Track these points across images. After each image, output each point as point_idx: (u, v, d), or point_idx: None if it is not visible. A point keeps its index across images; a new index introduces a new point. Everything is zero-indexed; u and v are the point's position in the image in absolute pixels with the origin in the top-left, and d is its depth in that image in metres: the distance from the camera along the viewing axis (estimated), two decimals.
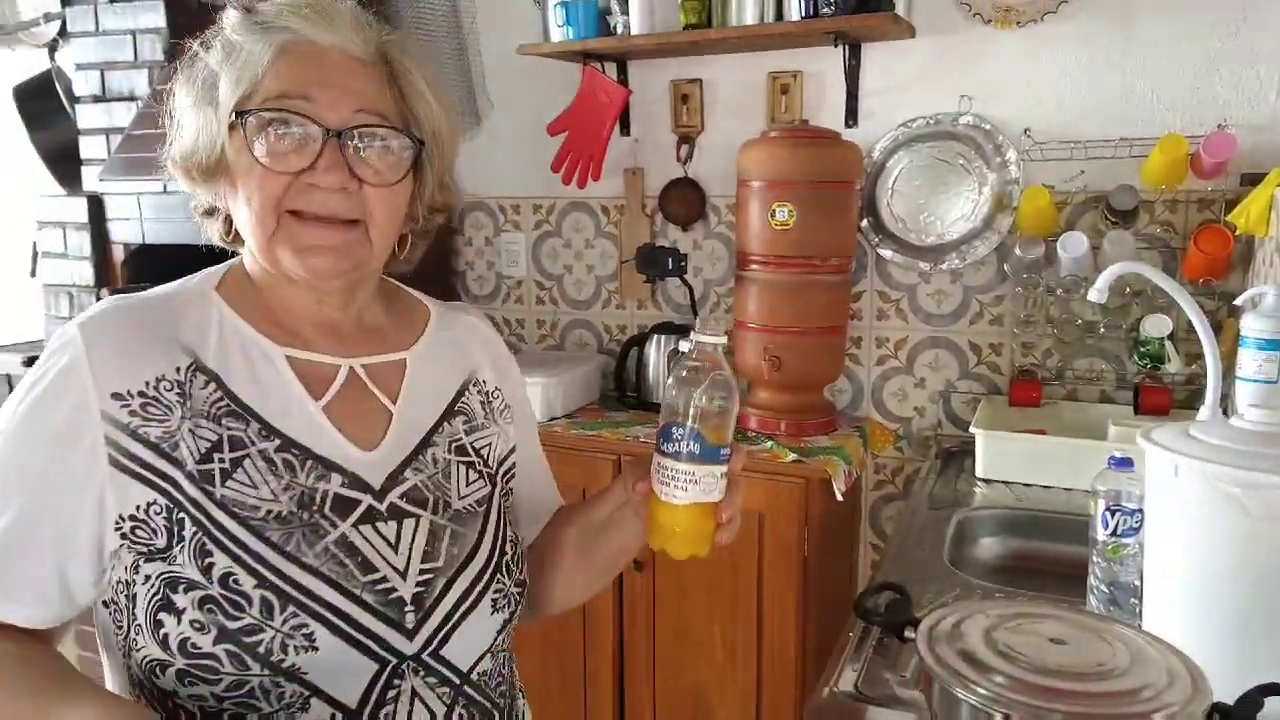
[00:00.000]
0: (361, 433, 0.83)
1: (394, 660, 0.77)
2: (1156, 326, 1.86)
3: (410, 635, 0.78)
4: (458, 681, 0.82)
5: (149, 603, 0.73)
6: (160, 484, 0.74)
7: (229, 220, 0.84)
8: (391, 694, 0.77)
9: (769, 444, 2.00)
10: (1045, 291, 2.03)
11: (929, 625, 0.73)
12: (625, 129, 2.41)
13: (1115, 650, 0.68)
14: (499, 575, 0.86)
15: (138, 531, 0.74)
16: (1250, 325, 1.35)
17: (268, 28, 0.79)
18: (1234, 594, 0.97)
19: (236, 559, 0.73)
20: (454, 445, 0.90)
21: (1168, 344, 1.89)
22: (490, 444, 0.94)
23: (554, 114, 2.35)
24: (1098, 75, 1.98)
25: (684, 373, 0.81)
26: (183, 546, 0.72)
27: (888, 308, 2.23)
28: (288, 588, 0.73)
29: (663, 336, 2.28)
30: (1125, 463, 1.15)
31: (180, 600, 0.72)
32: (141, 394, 0.74)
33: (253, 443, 0.77)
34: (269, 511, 0.75)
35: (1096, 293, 1.36)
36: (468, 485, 0.89)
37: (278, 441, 0.78)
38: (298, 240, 0.78)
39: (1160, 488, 1.04)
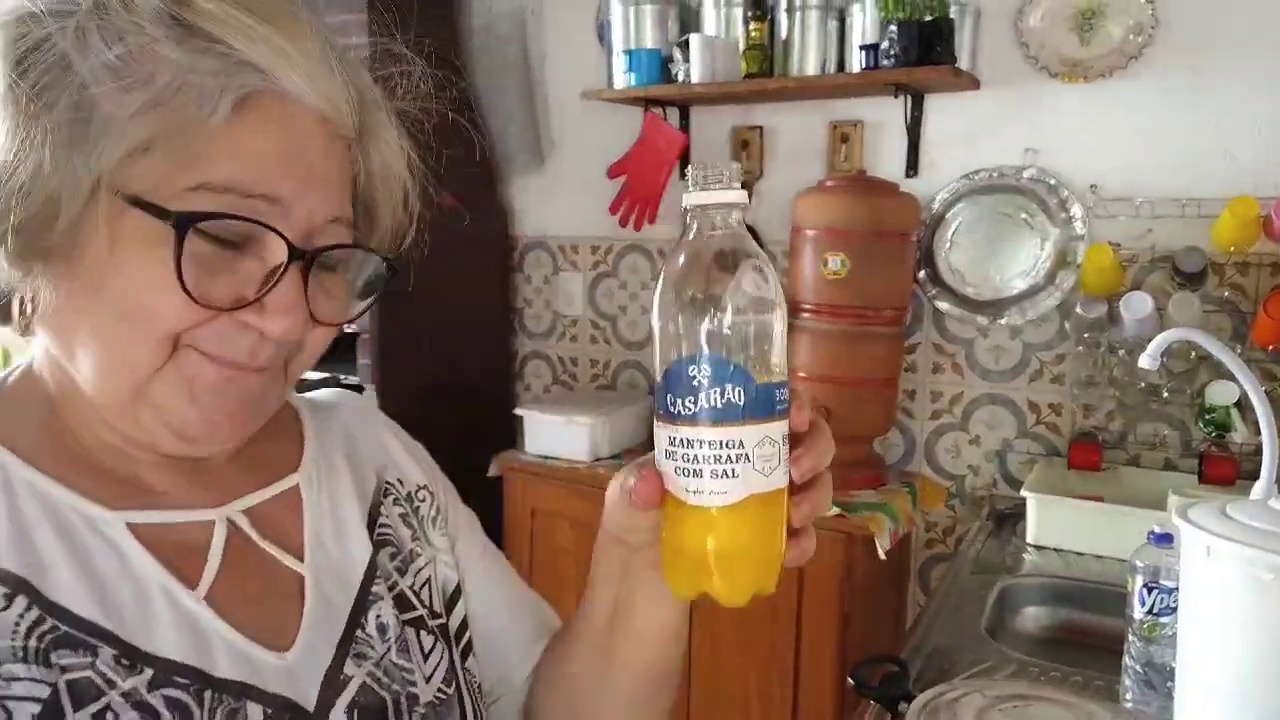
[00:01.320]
0: (267, 622, 0.57)
1: None
2: (1222, 394, 1.78)
3: None
4: None
5: None
6: None
7: (23, 310, 0.54)
8: None
9: None
10: (1108, 352, 1.96)
11: (923, 702, 0.71)
12: (684, 174, 2.43)
13: None
14: None
15: None
16: None
17: (216, 50, 0.50)
18: (1271, 687, 0.92)
19: None
20: (395, 598, 0.64)
21: (1234, 412, 1.80)
22: (428, 578, 0.67)
23: (614, 157, 2.39)
24: (1168, 132, 1.92)
25: (687, 263, 0.49)
26: None
27: (943, 361, 2.19)
28: None
29: None
30: (1165, 538, 1.10)
31: None
32: None
33: (111, 684, 0.49)
34: None
35: (1148, 359, 1.31)
36: (429, 658, 0.64)
37: (149, 673, 0.50)
38: (192, 387, 0.52)
39: (1194, 569, 0.99)
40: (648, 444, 2.07)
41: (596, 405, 2.29)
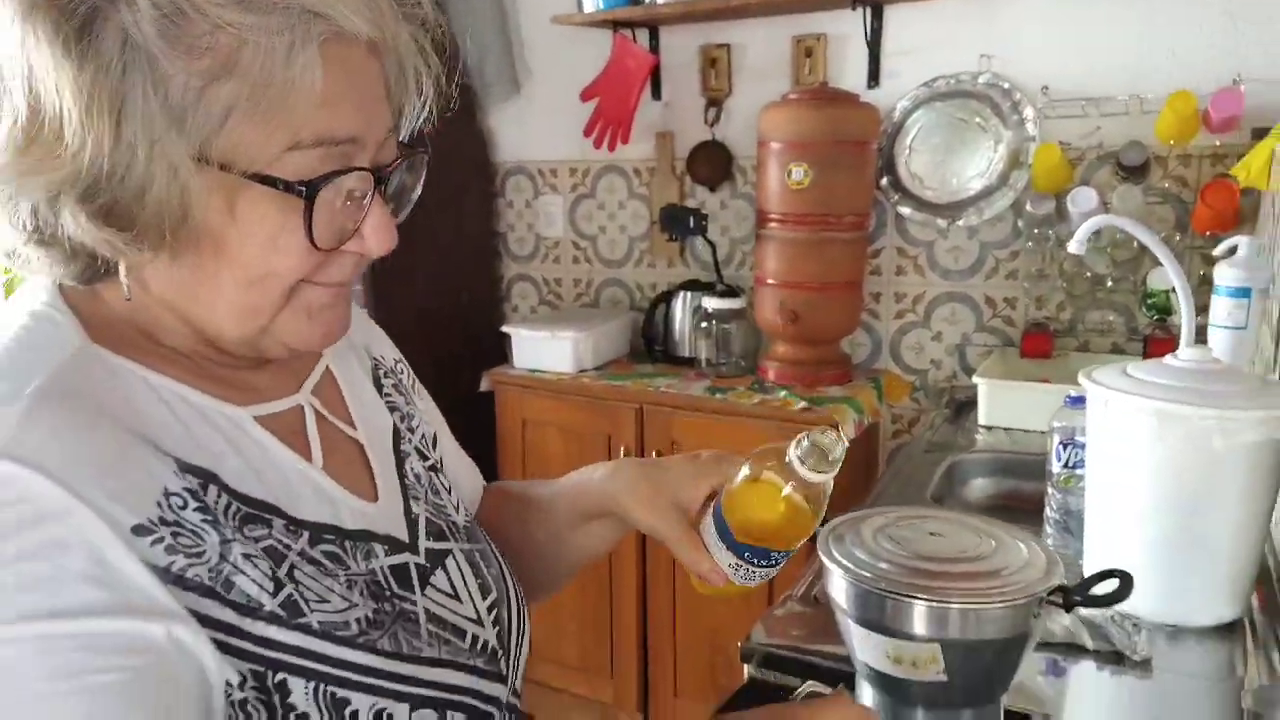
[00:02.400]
0: (355, 482, 0.68)
1: (496, 712, 0.69)
2: (1162, 279, 1.90)
3: (504, 680, 0.70)
4: (518, 703, 0.75)
5: None
6: (235, 644, 0.53)
7: (101, 262, 0.56)
8: None
9: (782, 393, 2.11)
10: (1057, 246, 2.07)
11: (830, 527, 0.84)
12: (656, 93, 2.51)
13: (983, 542, 0.78)
14: (514, 577, 0.79)
15: None
16: (1222, 275, 1.40)
17: (275, 6, 0.51)
18: (1158, 516, 1.06)
19: (377, 691, 0.58)
20: (416, 450, 0.77)
21: (1174, 296, 1.92)
22: (424, 434, 0.80)
23: (587, 81, 2.46)
24: (1115, 33, 2.00)
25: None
26: (299, 714, 0.55)
27: (906, 264, 2.30)
28: (434, 693, 0.62)
29: (688, 293, 2.39)
30: (1079, 400, 1.24)
31: None
32: (163, 520, 0.52)
33: (288, 547, 0.58)
34: (359, 620, 0.59)
35: (1075, 245, 1.43)
36: (450, 494, 0.78)
37: (307, 535, 0.60)
38: (309, 314, 0.60)
39: (1097, 421, 1.13)
40: (630, 356, 2.22)
41: (580, 321, 2.41)
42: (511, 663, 0.73)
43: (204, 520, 0.54)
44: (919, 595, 0.74)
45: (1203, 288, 1.81)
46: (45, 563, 0.47)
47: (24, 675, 0.45)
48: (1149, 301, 1.97)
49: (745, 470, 0.72)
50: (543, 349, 2.30)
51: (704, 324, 2.29)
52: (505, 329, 2.37)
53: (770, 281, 2.17)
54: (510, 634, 0.74)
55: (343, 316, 0.64)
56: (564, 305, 2.78)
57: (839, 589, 0.78)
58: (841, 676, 0.85)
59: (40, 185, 0.51)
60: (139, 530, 0.50)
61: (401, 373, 0.83)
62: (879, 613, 0.76)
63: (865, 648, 0.78)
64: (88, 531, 0.48)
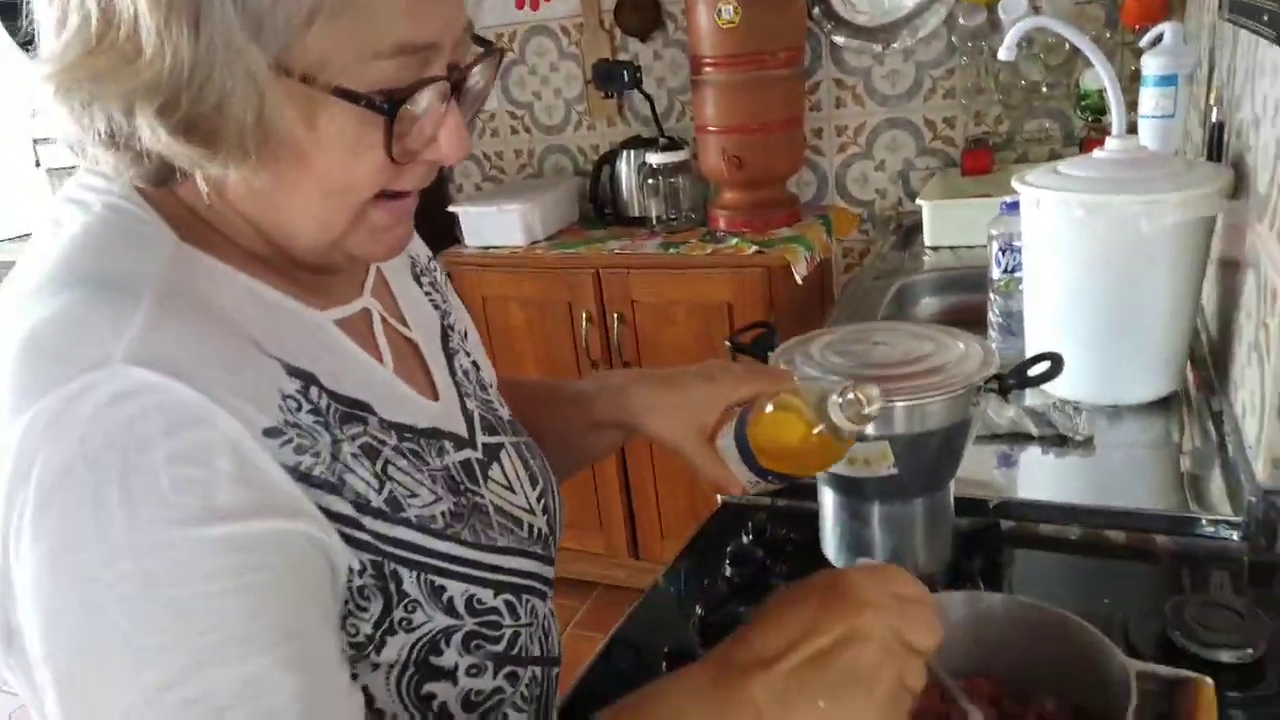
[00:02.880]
0: (418, 382, 0.68)
1: (549, 591, 0.72)
2: (1095, 79, 1.90)
3: (553, 562, 0.74)
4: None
5: (406, 686, 0.58)
6: (356, 536, 0.55)
7: (176, 169, 0.54)
8: (547, 622, 0.72)
9: (734, 240, 2.13)
10: (991, 58, 2.06)
11: (784, 347, 0.88)
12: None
13: (924, 344, 0.83)
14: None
15: (352, 616, 0.55)
16: (1149, 65, 1.41)
17: None
18: (1093, 303, 1.11)
19: (467, 579, 0.61)
20: (463, 348, 0.77)
21: (1107, 95, 1.94)
22: (461, 330, 0.80)
23: None
24: None
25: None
26: (409, 601, 0.57)
27: (844, 95, 2.28)
28: (510, 579, 0.65)
29: (631, 151, 2.37)
30: (1014, 206, 1.27)
31: (448, 657, 0.59)
32: (287, 422, 0.52)
33: (382, 443, 0.59)
34: (444, 514, 0.61)
35: (1005, 51, 1.43)
36: (493, 387, 0.80)
37: (393, 432, 0.61)
38: (379, 228, 0.59)
39: (1030, 221, 1.17)
40: (580, 223, 2.21)
41: (526, 192, 2.39)
42: (556, 546, 0.76)
43: (316, 422, 0.55)
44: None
45: (1136, 85, 1.82)
46: (196, 467, 0.47)
47: (185, 579, 0.45)
48: (1083, 104, 1.98)
49: (774, 400, 0.72)
50: (492, 224, 2.29)
51: (650, 181, 2.28)
52: (452, 209, 2.35)
53: (711, 129, 2.15)
54: (555, 519, 0.76)
55: (408, 232, 0.63)
56: (508, 179, 2.74)
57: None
58: (804, 487, 0.91)
59: (114, 94, 0.49)
60: (270, 433, 0.51)
61: (435, 270, 0.82)
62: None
63: None
64: (231, 434, 0.48)
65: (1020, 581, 0.93)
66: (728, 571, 0.97)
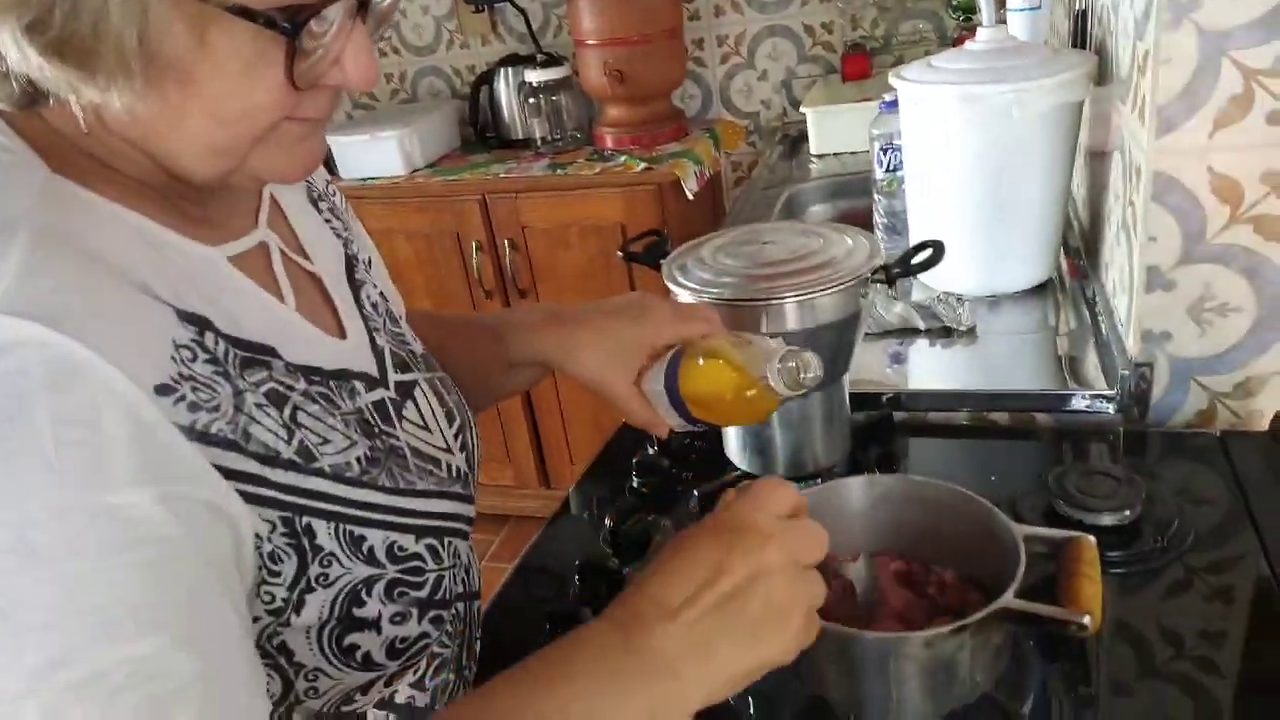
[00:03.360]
0: (323, 319, 0.63)
1: (469, 530, 0.69)
2: None
3: (473, 500, 0.71)
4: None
5: (327, 640, 0.55)
6: (264, 493, 0.51)
7: (43, 93, 0.48)
8: (466, 557, 0.69)
9: (622, 159, 2.10)
10: None
11: (675, 253, 0.87)
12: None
13: (813, 242, 0.83)
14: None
15: (266, 584, 0.52)
16: None
17: None
18: (971, 194, 1.14)
19: (388, 525, 0.58)
20: (369, 279, 0.72)
21: None
22: (365, 260, 0.74)
23: None
24: None
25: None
26: (325, 555, 0.54)
27: (723, 2, 2.25)
28: (431, 523, 0.62)
29: (509, 70, 2.29)
30: (893, 104, 1.28)
31: (370, 607, 0.56)
32: (181, 375, 0.48)
33: (290, 388, 0.55)
34: (359, 459, 0.58)
35: None
36: (403, 319, 0.75)
37: (300, 376, 0.57)
38: (286, 150, 0.54)
39: (909, 116, 1.18)
40: (462, 148, 2.11)
41: (401, 118, 2.28)
42: (475, 483, 0.73)
43: (215, 372, 0.50)
44: (757, 298, 0.78)
45: None
46: (84, 429, 0.42)
47: (72, 551, 0.41)
48: (954, 4, 2.00)
49: (705, 349, 0.70)
50: (368, 154, 2.19)
51: (531, 100, 2.21)
52: None
53: (590, 42, 2.09)
54: (473, 456, 0.73)
55: (320, 146, 0.57)
56: (381, 105, 2.61)
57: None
58: None
59: None
60: (162, 390, 0.46)
61: (334, 194, 0.76)
62: (727, 324, 0.80)
63: None
64: (121, 393, 0.44)
65: (914, 467, 0.97)
66: (635, 483, 0.97)
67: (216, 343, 0.51)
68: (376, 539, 0.57)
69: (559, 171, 2.09)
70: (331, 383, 0.59)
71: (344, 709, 0.60)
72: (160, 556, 0.43)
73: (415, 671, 0.64)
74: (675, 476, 0.97)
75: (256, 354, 0.54)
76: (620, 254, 0.90)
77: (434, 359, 0.75)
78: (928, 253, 0.79)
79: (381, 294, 0.73)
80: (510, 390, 0.86)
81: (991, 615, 0.56)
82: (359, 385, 0.62)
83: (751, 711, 0.69)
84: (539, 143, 2.24)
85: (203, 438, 0.48)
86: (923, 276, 1.24)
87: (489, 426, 2.35)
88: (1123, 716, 0.64)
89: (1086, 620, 0.55)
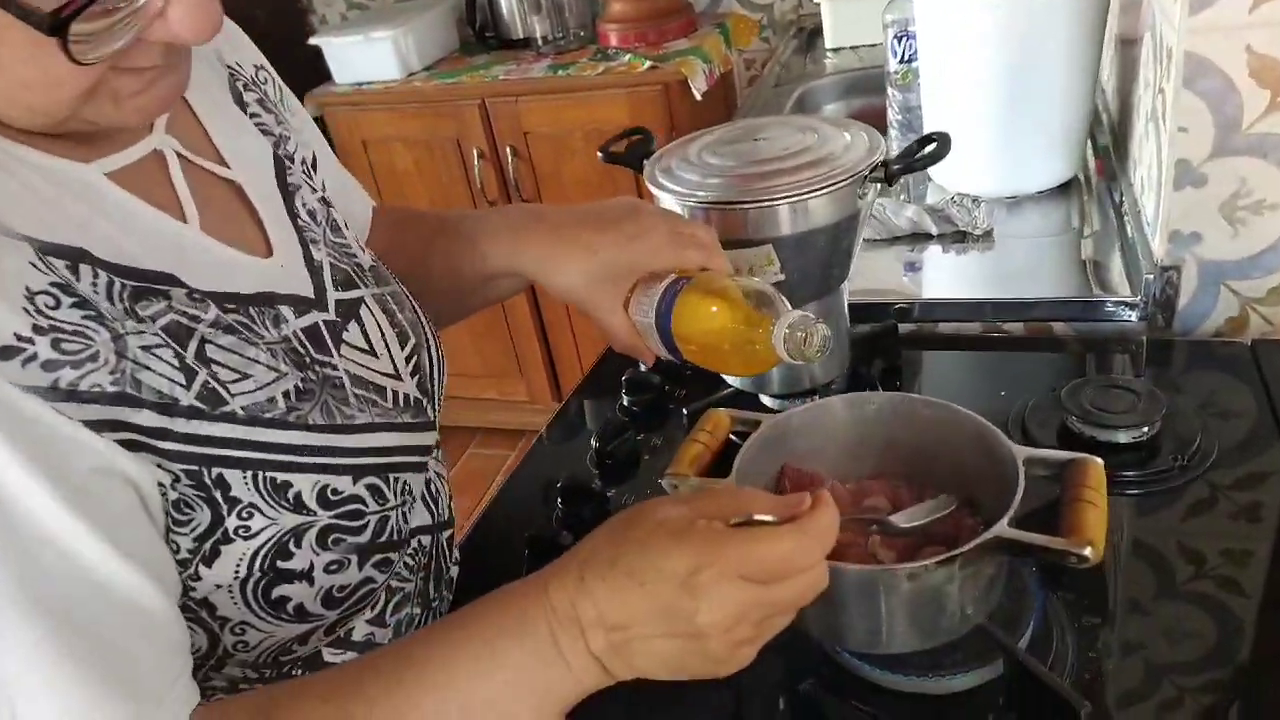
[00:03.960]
0: (242, 235, 0.57)
1: (430, 458, 0.65)
2: None
3: (433, 426, 0.66)
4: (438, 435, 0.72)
5: (252, 592, 0.51)
6: (162, 446, 0.47)
7: None
8: (433, 486, 0.65)
9: (627, 57, 1.99)
10: None
11: (659, 153, 0.80)
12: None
13: (808, 137, 0.76)
14: (415, 303, 0.71)
15: (171, 532, 0.48)
16: None
17: None
18: (991, 85, 1.05)
19: (317, 469, 0.53)
20: (304, 181, 0.64)
21: None
22: (305, 158, 0.67)
23: None
24: None
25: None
26: (243, 507, 0.49)
27: None
28: (372, 460, 0.56)
29: None
30: None
31: (300, 559, 0.52)
32: (36, 329, 0.43)
33: (195, 319, 0.50)
34: (287, 394, 0.53)
35: None
36: (347, 228, 0.67)
37: (210, 304, 0.51)
38: (119, 98, 0.47)
39: (925, 5, 1.08)
40: (461, 50, 2.00)
41: (396, 18, 2.17)
42: (435, 405, 0.67)
43: (85, 317, 0.44)
44: (743, 200, 0.72)
45: None
46: None
47: None
48: None
49: (704, 284, 0.62)
50: (362, 57, 2.09)
51: None
52: (314, 41, 2.13)
53: None
54: (431, 378, 0.67)
55: (169, 89, 0.48)
56: (375, 4, 2.49)
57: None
58: None
59: None
60: (6, 353, 0.41)
61: (265, 81, 0.67)
62: (718, 230, 0.74)
63: None
64: None
65: (921, 383, 0.91)
66: (625, 401, 0.93)
67: (96, 276, 0.46)
68: (304, 484, 0.52)
69: (561, 73, 1.99)
70: (251, 309, 0.53)
71: (281, 659, 0.56)
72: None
73: (373, 607, 0.61)
74: (666, 394, 0.92)
75: (151, 283, 0.48)
76: (600, 154, 0.83)
77: (385, 271, 0.69)
78: (932, 146, 0.72)
79: (323, 199, 0.66)
80: (487, 300, 0.80)
81: (983, 545, 0.52)
82: (286, 310, 0.56)
83: None
84: (540, 42, 2.13)
85: (72, 395, 0.43)
86: (938, 178, 1.18)
87: (499, 340, 2.31)
88: (1138, 636, 0.60)
89: (1087, 552, 0.50)
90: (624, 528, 0.44)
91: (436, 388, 0.68)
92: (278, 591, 0.52)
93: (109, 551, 0.42)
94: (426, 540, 0.64)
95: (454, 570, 0.72)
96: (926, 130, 1.16)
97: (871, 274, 1.03)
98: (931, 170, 1.19)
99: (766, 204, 0.71)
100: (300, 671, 0.57)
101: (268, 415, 0.51)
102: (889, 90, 1.26)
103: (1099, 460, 0.56)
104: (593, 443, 0.86)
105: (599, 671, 0.44)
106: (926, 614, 0.54)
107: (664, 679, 0.45)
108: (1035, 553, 0.52)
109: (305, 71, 2.15)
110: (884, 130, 1.33)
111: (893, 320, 0.96)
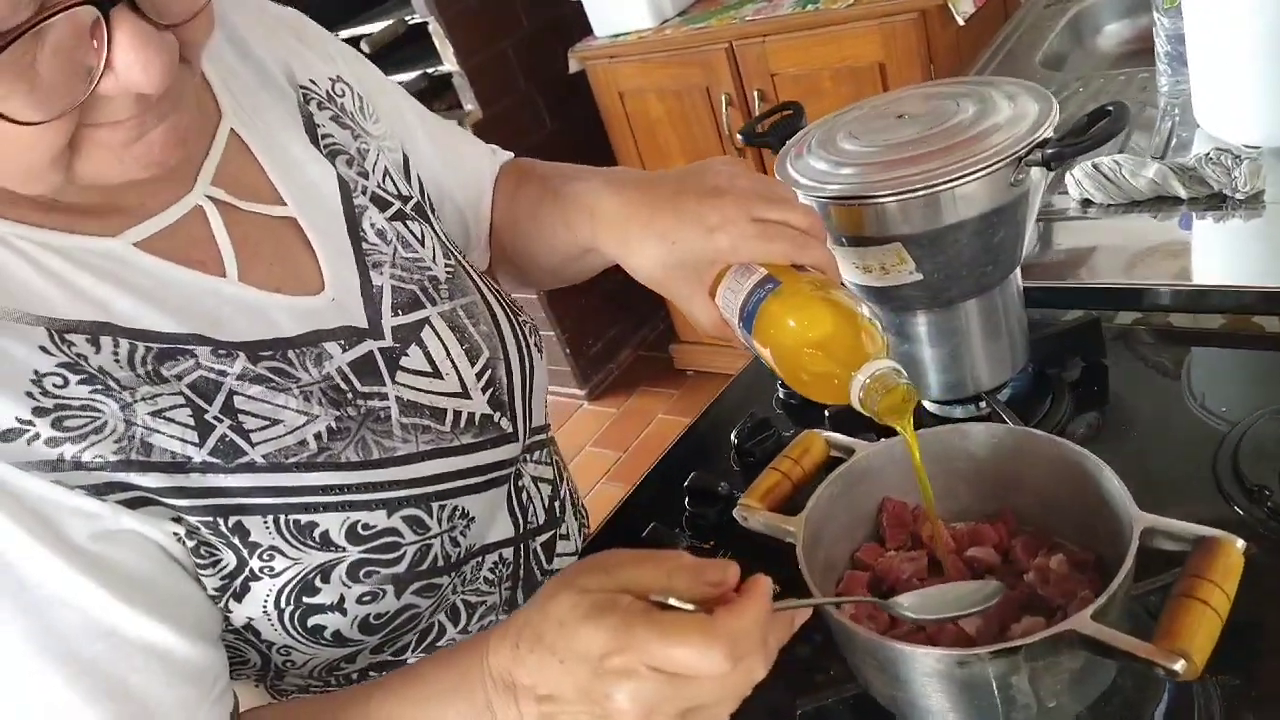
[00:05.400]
0: (293, 274, 0.57)
1: (514, 468, 0.66)
2: None
3: (515, 437, 0.65)
4: (545, 436, 0.73)
5: (288, 622, 0.54)
6: (175, 503, 0.49)
7: None
8: (524, 495, 0.67)
9: None
10: None
11: (799, 135, 0.74)
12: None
13: (964, 111, 0.64)
14: (515, 313, 0.70)
15: (200, 569, 0.52)
16: None
17: None
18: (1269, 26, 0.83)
19: (345, 506, 0.53)
20: (372, 201, 0.63)
21: None
22: (385, 168, 0.66)
23: None
24: None
25: None
26: (265, 550, 0.51)
27: None
28: (413, 491, 0.57)
29: None
30: None
31: (327, 594, 0.53)
32: (38, 411, 0.45)
33: (223, 373, 0.52)
34: (318, 435, 0.54)
35: None
36: (425, 241, 0.66)
37: (241, 355, 0.53)
38: (110, 151, 0.45)
39: None
40: None
41: None
42: (522, 412, 0.66)
43: (94, 391, 0.47)
44: (862, 196, 0.63)
45: None
46: None
47: None
48: None
49: (797, 306, 0.56)
50: (617, 7, 2.11)
51: None
52: None
53: None
54: (513, 388, 0.65)
55: (167, 134, 0.46)
56: None
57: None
58: None
59: None
60: (6, 436, 0.44)
61: (343, 94, 0.66)
62: (832, 224, 0.67)
63: (842, 264, 0.70)
64: None
65: (1120, 391, 0.77)
66: (780, 394, 0.88)
67: (117, 345, 0.48)
68: (332, 523, 0.53)
69: (810, 7, 1.88)
70: (290, 352, 0.54)
71: (336, 673, 0.60)
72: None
73: (455, 621, 0.63)
74: None
75: (176, 343, 0.50)
76: (740, 136, 0.78)
77: (469, 278, 0.67)
78: (1103, 122, 0.59)
79: (398, 214, 0.64)
80: (584, 273, 0.75)
81: (1054, 639, 0.43)
82: (332, 346, 0.56)
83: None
84: None
85: (79, 466, 0.45)
86: (1205, 125, 0.96)
87: None
88: None
89: (1178, 666, 0.40)
90: (548, 598, 0.42)
91: (520, 398, 0.67)
92: (313, 621, 0.54)
93: (119, 605, 0.46)
94: (508, 553, 0.65)
95: (547, 578, 0.71)
96: (1191, 61, 0.95)
97: (1086, 245, 0.88)
98: (1200, 116, 0.98)
99: (885, 200, 0.62)
100: (358, 680, 0.61)
101: (293, 460, 0.52)
102: (1155, 16, 1.04)
103: (1237, 544, 0.44)
104: (732, 439, 0.83)
105: None
106: (987, 704, 0.47)
107: None
108: (1118, 656, 0.42)
109: (572, 24, 2.23)
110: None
111: (1110, 309, 0.81)
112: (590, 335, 2.67)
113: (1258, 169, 0.85)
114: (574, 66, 2.25)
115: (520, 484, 0.66)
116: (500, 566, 0.65)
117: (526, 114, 2.39)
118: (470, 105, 2.25)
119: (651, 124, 2.19)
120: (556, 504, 0.71)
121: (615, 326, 2.71)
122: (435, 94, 2.30)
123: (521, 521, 0.66)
